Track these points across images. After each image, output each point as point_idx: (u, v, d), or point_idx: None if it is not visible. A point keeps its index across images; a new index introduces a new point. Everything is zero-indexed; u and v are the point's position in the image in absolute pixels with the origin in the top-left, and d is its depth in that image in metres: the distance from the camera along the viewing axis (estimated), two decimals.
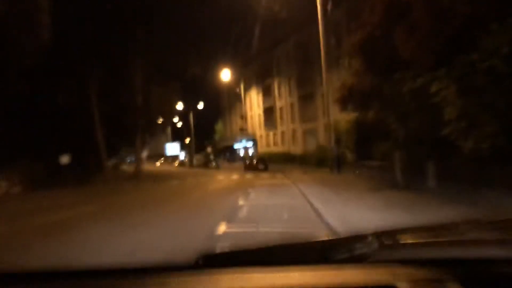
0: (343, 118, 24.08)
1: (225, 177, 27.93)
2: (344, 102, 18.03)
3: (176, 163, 72.24)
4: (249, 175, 28.13)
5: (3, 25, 23.53)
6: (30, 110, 27.24)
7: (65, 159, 27.11)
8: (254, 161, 36.44)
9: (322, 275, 1.34)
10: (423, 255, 1.44)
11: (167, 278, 1.39)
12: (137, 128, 34.32)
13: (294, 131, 46.50)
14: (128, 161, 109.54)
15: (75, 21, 27.87)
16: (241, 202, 13.02)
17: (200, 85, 62.08)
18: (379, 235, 1.54)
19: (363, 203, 10.55)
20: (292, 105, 46.46)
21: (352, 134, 22.22)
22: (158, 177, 34.93)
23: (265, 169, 34.71)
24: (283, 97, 48.65)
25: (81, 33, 28.06)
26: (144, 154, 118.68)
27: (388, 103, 13.68)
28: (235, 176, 28.37)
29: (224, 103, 70.25)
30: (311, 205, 11.09)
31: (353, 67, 17.20)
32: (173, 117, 48.05)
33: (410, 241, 1.57)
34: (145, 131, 37.49)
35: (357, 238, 1.56)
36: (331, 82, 37.90)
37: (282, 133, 49.68)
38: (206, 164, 51.15)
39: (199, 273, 1.41)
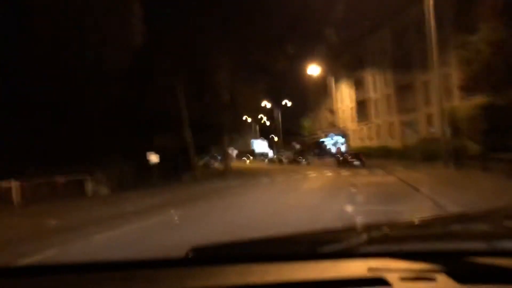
0: (462, 104, 20.48)
1: (318, 174, 25.78)
2: (471, 83, 14.76)
3: (265, 160, 71.38)
4: (345, 172, 25.65)
5: (100, 29, 24.10)
6: (121, 111, 27.43)
7: (154, 159, 26.81)
8: (348, 157, 33.73)
9: (311, 268, 1.32)
10: (411, 248, 1.43)
11: (157, 272, 1.38)
12: (224, 126, 33.43)
13: (390, 124, 42.79)
14: (219, 158, 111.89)
15: (164, 23, 27.84)
16: (348, 208, 10.50)
17: (287, 81, 60.70)
18: (368, 228, 1.57)
19: None
20: (388, 96, 42.78)
21: (477, 122, 18.40)
22: (248, 175, 33.78)
23: (361, 165, 31.91)
24: (378, 89, 45.08)
25: (169, 35, 27.91)
26: (234, 152, 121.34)
27: None
28: (329, 173, 26.08)
29: (311, 98, 67.82)
30: None
31: (488, 37, 13.84)
32: (260, 114, 46.89)
33: (398, 234, 1.59)
34: (232, 129, 36.63)
35: (346, 231, 1.59)
36: (440, 66, 33.90)
37: (377, 126, 46.10)
38: (295, 161, 49.34)
39: (190, 267, 1.40)
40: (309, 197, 14.36)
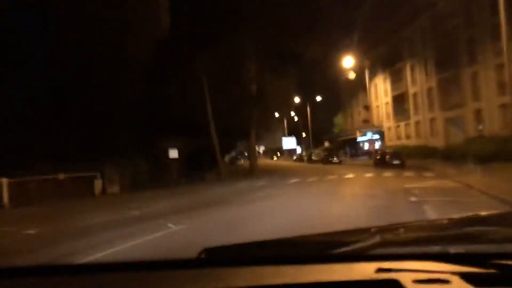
0: None
1: (355, 175, 22.97)
2: None
3: (294, 158, 68.61)
4: (386, 173, 22.72)
5: (125, 18, 22.85)
6: (142, 106, 25.51)
7: (173, 154, 24.64)
8: (387, 156, 30.66)
9: (324, 270, 1.32)
10: (425, 250, 1.41)
11: (170, 273, 1.38)
12: (251, 121, 30.98)
13: (432, 121, 39.22)
14: (246, 155, 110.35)
15: (187, 11, 26.03)
16: None
17: (319, 75, 57.75)
18: (381, 230, 1.55)
19: None
20: (429, 90, 39.21)
21: None
22: (275, 174, 31.28)
23: (401, 165, 28.88)
24: (418, 82, 41.49)
25: (193, 23, 25.99)
26: (261, 148, 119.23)
27: None
28: (368, 174, 23.21)
29: (344, 94, 64.46)
30: None
31: None
32: (290, 109, 43.98)
33: (411, 236, 1.58)
34: (260, 124, 34.15)
35: (359, 233, 1.57)
36: (489, 57, 30.33)
37: (417, 123, 42.54)
38: (326, 159, 46.39)
39: (202, 268, 1.39)
40: (355, 208, 10.73)
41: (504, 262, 1.24)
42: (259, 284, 1.23)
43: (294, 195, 15.61)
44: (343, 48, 48.25)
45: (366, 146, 56.04)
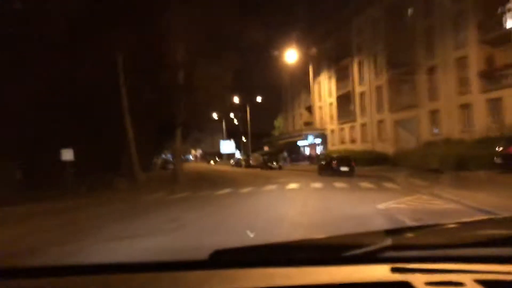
0: None
1: (300, 185, 18.24)
2: None
3: (232, 162, 64.09)
4: (337, 183, 18.20)
5: None
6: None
7: (67, 155, 18.70)
8: (334, 162, 26.41)
9: (335, 272, 1.32)
10: (437, 253, 1.40)
11: (180, 274, 1.38)
12: (176, 116, 25.52)
13: (381, 123, 35.77)
14: (184, 158, 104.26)
15: None
16: None
17: (259, 72, 53.74)
18: (393, 232, 1.52)
19: None
20: (378, 89, 35.73)
21: None
22: (205, 181, 26.06)
23: (351, 173, 24.80)
24: (366, 80, 37.97)
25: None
26: (199, 152, 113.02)
27: None
28: (315, 184, 18.53)
29: (286, 94, 60.49)
30: None
31: None
32: (225, 105, 38.78)
33: (424, 239, 1.54)
34: (189, 121, 28.73)
35: (371, 235, 1.57)
36: (450, 50, 26.96)
37: (363, 125, 39.01)
38: (265, 164, 42.04)
39: (212, 269, 1.38)
40: None
41: None
42: (269, 286, 1.23)
43: (219, 214, 10.51)
44: (286, 40, 44.24)
45: (308, 151, 52.49)
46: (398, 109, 32.62)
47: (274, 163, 41.25)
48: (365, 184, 17.14)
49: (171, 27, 24.15)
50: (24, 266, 1.54)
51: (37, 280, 1.39)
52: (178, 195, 16.94)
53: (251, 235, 7.07)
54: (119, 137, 25.34)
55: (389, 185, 16.70)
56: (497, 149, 17.07)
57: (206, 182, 25.05)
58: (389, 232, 1.52)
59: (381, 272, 1.28)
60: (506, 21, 23.11)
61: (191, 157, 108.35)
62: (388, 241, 1.43)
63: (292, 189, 16.79)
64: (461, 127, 25.63)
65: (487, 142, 19.77)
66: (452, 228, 1.68)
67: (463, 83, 25.37)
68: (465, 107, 25.27)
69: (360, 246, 1.40)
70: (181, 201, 14.71)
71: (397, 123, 33.32)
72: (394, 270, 1.28)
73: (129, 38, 22.85)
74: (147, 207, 13.71)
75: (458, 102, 25.79)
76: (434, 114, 28.55)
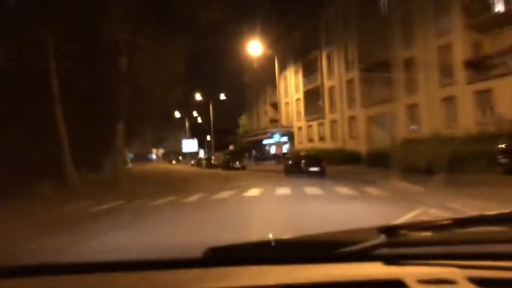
0: None
1: (262, 191, 14.72)
2: None
3: (192, 162, 60.67)
4: (308, 188, 14.80)
5: None
6: None
7: None
8: (302, 161, 23.22)
9: (328, 270, 1.31)
10: (430, 251, 1.40)
11: (174, 272, 1.35)
12: (115, 107, 21.57)
13: (352, 120, 32.86)
14: (154, 157, 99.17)
15: None
16: None
17: (221, 66, 50.49)
18: (386, 230, 1.46)
19: None
20: (349, 83, 32.83)
21: None
22: (152, 185, 22.30)
23: (321, 173, 21.79)
24: (335, 73, 34.99)
25: None
26: (160, 151, 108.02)
27: None
28: (281, 189, 15.03)
29: (250, 91, 57.12)
30: None
31: None
32: (177, 98, 34.79)
33: (417, 236, 1.50)
34: (135, 114, 24.76)
35: (364, 233, 1.50)
36: (430, 40, 24.20)
37: (333, 122, 36.04)
38: (227, 164, 38.67)
39: (207, 267, 1.36)
40: None
41: (509, 262, 1.24)
42: (265, 284, 1.23)
43: (144, 236, 6.86)
44: (250, 31, 40.79)
45: (273, 150, 49.40)
46: (371, 104, 29.79)
47: (237, 163, 38.13)
48: (342, 190, 13.79)
49: (111, 7, 20.42)
50: (16, 265, 1.44)
51: (24, 279, 1.35)
52: (104, 206, 13.09)
53: None
54: (53, 133, 21.34)
55: (372, 190, 13.43)
56: (499, 146, 14.17)
57: (152, 186, 21.24)
58: (382, 229, 1.45)
59: (374, 269, 1.28)
60: (495, 3, 20.49)
61: (154, 156, 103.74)
62: (382, 238, 1.39)
63: (252, 198, 13.23)
64: (443, 122, 22.89)
65: (480, 138, 17.00)
66: (445, 225, 1.53)
67: (446, 74, 22.66)
68: (449, 100, 22.53)
69: (353, 243, 1.37)
70: (101, 216, 10.91)
71: (370, 120, 30.49)
72: (387, 267, 1.28)
73: (60, 15, 19.18)
74: (40, 225, 9.82)
75: (440, 95, 23.06)
76: (412, 109, 25.78)
